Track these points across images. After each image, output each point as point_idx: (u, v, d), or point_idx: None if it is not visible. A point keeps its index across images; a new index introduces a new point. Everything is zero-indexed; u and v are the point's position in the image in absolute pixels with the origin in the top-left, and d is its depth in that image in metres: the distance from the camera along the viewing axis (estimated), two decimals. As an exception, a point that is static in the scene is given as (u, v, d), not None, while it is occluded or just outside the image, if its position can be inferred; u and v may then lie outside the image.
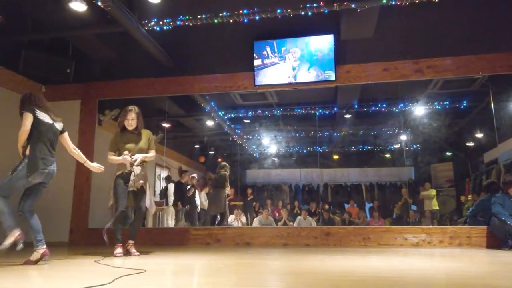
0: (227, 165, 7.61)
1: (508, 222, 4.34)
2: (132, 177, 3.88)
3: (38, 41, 5.80)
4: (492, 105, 5.97)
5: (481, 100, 7.17)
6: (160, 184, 8.94)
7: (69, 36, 5.75)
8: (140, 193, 3.94)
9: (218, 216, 7.24)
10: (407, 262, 3.29)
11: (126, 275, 2.32)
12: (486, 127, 7.64)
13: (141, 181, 3.93)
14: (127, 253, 3.92)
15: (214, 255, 3.80)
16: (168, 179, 8.53)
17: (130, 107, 4.09)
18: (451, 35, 5.40)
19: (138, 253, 3.89)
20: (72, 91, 6.20)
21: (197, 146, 10.88)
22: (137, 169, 3.92)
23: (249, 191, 9.99)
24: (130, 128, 4.01)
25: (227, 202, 7.96)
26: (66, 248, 5.17)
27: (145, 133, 4.11)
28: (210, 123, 9.43)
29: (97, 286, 1.95)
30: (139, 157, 3.90)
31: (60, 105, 6.21)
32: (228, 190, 7.45)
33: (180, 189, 7.75)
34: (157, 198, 7.58)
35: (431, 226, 5.64)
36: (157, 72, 6.10)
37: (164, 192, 8.18)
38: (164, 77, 6.10)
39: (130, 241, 4.00)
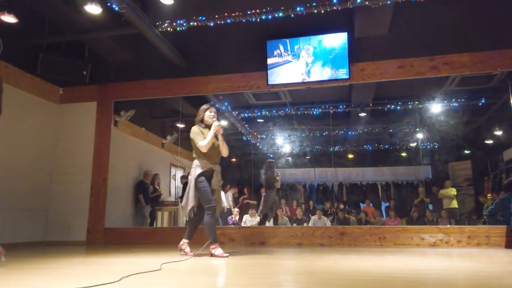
0: (273, 161, 7.54)
1: (529, 222, 4.22)
2: (214, 176, 3.78)
3: (55, 44, 5.94)
4: (511, 101, 5.82)
5: (499, 96, 7.00)
6: (176, 184, 9.02)
7: (85, 39, 5.86)
8: (217, 193, 3.83)
9: (259, 216, 7.19)
10: (424, 262, 3.23)
11: (138, 273, 2.34)
12: (505, 124, 7.46)
13: (222, 181, 3.90)
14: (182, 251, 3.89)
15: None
16: (184, 178, 8.60)
17: (208, 104, 4.02)
18: (468, 30, 5.29)
19: (228, 254, 3.68)
20: (89, 93, 6.31)
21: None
22: (217, 168, 3.85)
23: (263, 190, 9.97)
24: (212, 121, 3.86)
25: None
26: (84, 247, 5.27)
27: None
28: (224, 123, 9.45)
29: (104, 284, 1.98)
30: (222, 131, 3.81)
31: (77, 107, 6.35)
32: (277, 185, 7.35)
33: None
34: (172, 198, 7.63)
35: (448, 225, 5.53)
36: (171, 73, 6.15)
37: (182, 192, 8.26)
38: (177, 77, 6.15)
39: (186, 240, 3.91)
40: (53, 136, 6.23)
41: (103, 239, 5.75)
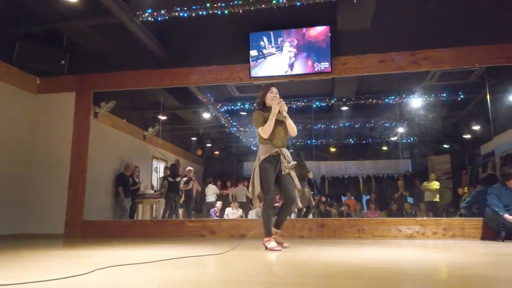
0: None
1: (501, 214, 4.34)
2: (283, 159, 3.51)
3: (33, 33, 5.76)
4: (488, 97, 5.95)
5: (478, 92, 7.16)
6: (158, 177, 8.95)
7: (63, 28, 5.72)
8: (287, 179, 3.54)
9: (303, 209, 7.10)
10: (400, 253, 3.29)
11: (112, 266, 2.32)
12: (483, 119, 7.62)
13: (294, 162, 3.57)
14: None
15: (208, 247, 3.81)
16: (167, 169, 8.55)
17: (268, 85, 3.75)
18: (448, 26, 5.37)
19: (287, 244, 3.55)
20: (67, 83, 6.17)
21: (193, 138, 10.88)
22: (284, 151, 3.56)
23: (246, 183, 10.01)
24: (273, 103, 3.55)
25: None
26: (62, 240, 5.19)
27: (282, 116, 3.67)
28: (206, 115, 9.41)
29: (75, 276, 1.95)
30: (285, 107, 3.53)
31: (54, 97, 6.21)
32: (310, 175, 7.25)
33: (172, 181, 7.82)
34: (152, 191, 7.57)
35: (425, 218, 5.65)
36: (152, 64, 6.07)
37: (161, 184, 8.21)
38: (159, 68, 6.06)
39: (279, 230, 3.63)
40: (30, 127, 6.08)
41: (81, 231, 5.67)
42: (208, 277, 2.11)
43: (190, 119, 9.94)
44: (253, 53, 5.71)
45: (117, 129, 7.49)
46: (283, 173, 3.49)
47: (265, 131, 3.49)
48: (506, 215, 4.32)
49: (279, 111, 3.55)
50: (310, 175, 7.25)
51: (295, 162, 3.56)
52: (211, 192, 9.36)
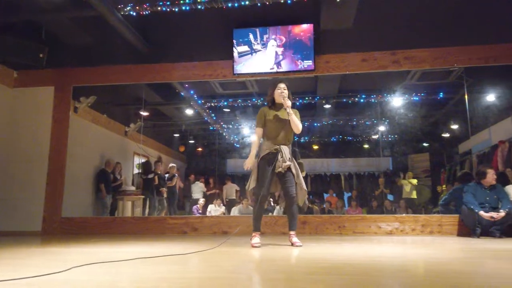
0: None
1: (476, 211, 4.47)
2: (279, 157, 3.48)
3: (10, 24, 5.58)
4: (466, 97, 6.10)
5: (456, 92, 7.33)
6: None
7: (42, 20, 5.56)
8: (287, 176, 3.52)
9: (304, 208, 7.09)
10: (380, 250, 3.35)
11: (90, 264, 2.28)
12: (461, 118, 7.82)
13: (288, 162, 3.49)
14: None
15: (189, 244, 3.79)
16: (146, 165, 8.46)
17: (279, 79, 3.68)
18: (428, 27, 5.47)
19: (301, 244, 3.47)
20: (46, 77, 6.02)
21: (176, 135, 10.79)
22: (284, 149, 3.53)
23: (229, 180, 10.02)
24: (281, 100, 3.52)
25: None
26: (40, 237, 5.08)
27: (294, 110, 3.61)
28: (189, 111, 9.34)
29: (51, 273, 1.92)
30: (288, 103, 3.46)
31: (33, 91, 6.05)
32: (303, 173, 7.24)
33: (158, 178, 7.73)
34: (133, 188, 7.48)
35: (404, 214, 5.76)
36: (134, 59, 5.98)
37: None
38: (141, 64, 5.98)
39: (291, 232, 3.57)
40: (7, 121, 5.91)
41: (59, 229, 5.56)
42: (187, 274, 2.10)
43: (172, 115, 9.84)
44: (237, 49, 5.69)
45: (97, 125, 7.36)
46: (275, 171, 3.48)
47: (256, 133, 3.60)
48: (481, 212, 4.45)
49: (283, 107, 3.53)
50: (303, 174, 7.30)
51: (290, 163, 3.50)
52: (198, 189, 9.32)
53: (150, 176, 7.63)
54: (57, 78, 6.02)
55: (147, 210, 7.42)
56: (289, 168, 3.51)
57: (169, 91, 7.68)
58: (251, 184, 3.53)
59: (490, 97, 7.43)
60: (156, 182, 7.66)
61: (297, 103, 8.26)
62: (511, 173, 5.92)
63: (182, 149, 11.12)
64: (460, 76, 6.42)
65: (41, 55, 5.66)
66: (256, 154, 3.61)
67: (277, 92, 3.57)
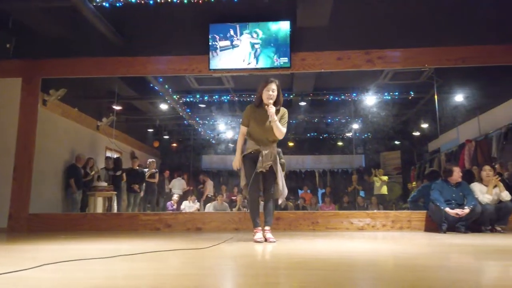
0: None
1: (443, 208, 4.63)
2: (260, 157, 3.53)
3: (-27, 11, 5.33)
4: (436, 97, 6.30)
5: (427, 92, 7.55)
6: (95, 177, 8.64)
7: (9, 9, 5.33)
8: (269, 175, 3.59)
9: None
10: (351, 245, 3.42)
11: (60, 262, 2.22)
12: (430, 118, 8.08)
13: (269, 162, 3.54)
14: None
15: (162, 240, 3.75)
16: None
17: (269, 79, 3.57)
18: (401, 27, 5.60)
19: (275, 240, 3.51)
20: (13, 68, 5.77)
21: (150, 130, 10.62)
22: (266, 149, 3.56)
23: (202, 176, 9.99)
24: (270, 101, 3.49)
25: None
26: (5, 234, 4.89)
27: (281, 111, 3.64)
28: (164, 106, 9.21)
29: (19, 270, 1.85)
30: (272, 110, 3.43)
31: (-2, 83, 5.80)
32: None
33: (130, 174, 7.60)
34: (105, 184, 7.32)
35: (375, 210, 5.91)
36: (107, 52, 5.83)
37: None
38: (114, 56, 5.83)
39: (265, 228, 3.61)
40: (-30, 113, 5.65)
41: (27, 225, 5.37)
42: (161, 270, 2.07)
43: (146, 110, 9.68)
44: (213, 44, 5.65)
45: (68, 119, 7.14)
46: (257, 170, 3.52)
47: (240, 131, 3.65)
48: (447, 209, 4.61)
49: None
50: (283, 173, 7.38)
51: (270, 163, 3.55)
52: (178, 186, 9.22)
53: (118, 173, 7.50)
54: (25, 70, 5.79)
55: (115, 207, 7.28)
56: (271, 166, 3.58)
57: (143, 85, 7.54)
58: (242, 181, 3.66)
59: (459, 98, 7.70)
60: (124, 179, 7.52)
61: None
62: (477, 171, 6.17)
63: (156, 144, 10.95)
64: (430, 77, 6.63)
65: (8, 45, 5.44)
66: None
67: (265, 93, 3.54)
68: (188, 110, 9.27)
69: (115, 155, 8.28)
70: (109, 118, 7.85)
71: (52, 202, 6.55)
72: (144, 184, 8.04)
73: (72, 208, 6.70)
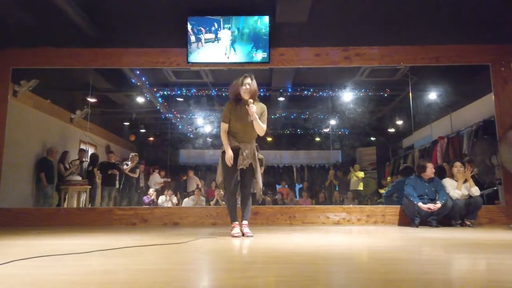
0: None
1: (416, 203, 4.76)
2: (240, 155, 3.53)
3: None
4: (411, 94, 6.45)
5: (402, 89, 7.71)
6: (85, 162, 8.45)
7: (-24, -5, 5.10)
8: (247, 171, 3.60)
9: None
10: (327, 239, 3.47)
11: (32, 258, 2.16)
12: (405, 115, 8.26)
13: (249, 160, 3.56)
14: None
15: (138, 236, 3.70)
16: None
17: (244, 74, 3.60)
18: (378, 25, 5.67)
19: (252, 234, 3.54)
20: (-20, 57, 5.54)
21: (126, 123, 10.40)
22: (246, 146, 3.56)
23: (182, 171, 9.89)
24: (246, 96, 3.52)
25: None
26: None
27: (259, 106, 3.63)
28: (141, 99, 9.05)
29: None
30: (253, 109, 3.44)
31: (-35, 72, 5.55)
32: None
33: (107, 168, 7.45)
34: (79, 178, 7.15)
35: (351, 205, 6.02)
36: (81, 42, 5.66)
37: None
38: (89, 47, 5.68)
39: (243, 222, 3.62)
40: None
41: (-4, 221, 5.19)
42: (135, 266, 2.05)
43: (122, 103, 9.48)
44: (192, 38, 5.58)
45: (40, 111, 6.91)
46: (237, 168, 3.54)
47: (221, 131, 3.61)
48: (420, 204, 4.75)
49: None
50: (262, 169, 7.38)
51: (249, 160, 3.57)
52: (156, 181, 9.10)
53: (90, 168, 7.35)
54: (-7, 59, 5.57)
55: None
56: (251, 165, 3.61)
57: (119, 77, 7.37)
58: (219, 177, 3.65)
59: (432, 96, 7.90)
60: (96, 176, 7.36)
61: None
62: (448, 167, 6.36)
63: (132, 138, 10.74)
64: (406, 74, 6.77)
65: (-25, 33, 5.21)
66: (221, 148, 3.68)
67: (242, 88, 3.56)
68: (165, 103, 9.15)
69: (91, 150, 8.09)
70: (83, 111, 7.63)
71: (23, 197, 6.35)
72: (123, 178, 7.91)
73: (43, 203, 6.51)
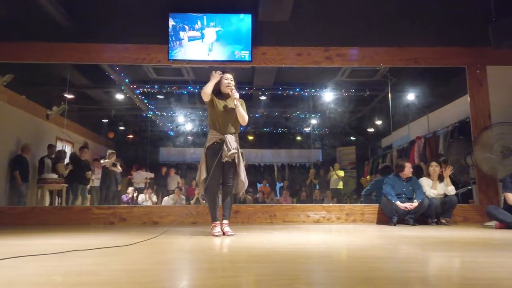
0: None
1: (394, 201, 4.85)
2: (224, 146, 3.46)
3: None
4: (390, 95, 6.56)
5: (381, 90, 7.85)
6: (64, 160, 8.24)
7: None
8: (230, 165, 3.55)
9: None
10: (307, 237, 3.50)
11: (5, 258, 2.09)
12: (384, 115, 8.41)
13: (234, 151, 3.49)
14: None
15: (117, 235, 3.64)
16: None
17: (225, 70, 3.64)
18: (359, 27, 5.76)
19: (233, 233, 3.51)
20: (-50, 50, 5.32)
21: (105, 120, 10.20)
22: (230, 138, 3.52)
23: (163, 169, 9.80)
24: (227, 90, 3.55)
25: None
26: None
27: (240, 101, 3.64)
28: (120, 96, 8.89)
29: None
30: (236, 95, 3.49)
31: None
32: None
33: (82, 165, 7.28)
34: (55, 176, 6.96)
35: (330, 204, 6.08)
36: (59, 37, 5.51)
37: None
38: (67, 42, 5.53)
39: (224, 221, 3.58)
40: None
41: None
42: (114, 266, 2.01)
43: (101, 100, 9.29)
44: (173, 35, 5.51)
45: (14, 106, 6.69)
46: (222, 160, 3.49)
47: (203, 92, 3.48)
48: (398, 203, 4.84)
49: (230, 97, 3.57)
50: (244, 163, 7.34)
51: (235, 151, 3.52)
52: (140, 178, 8.96)
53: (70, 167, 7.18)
54: (-35, 52, 5.36)
55: (58, 200, 6.94)
56: (233, 159, 3.56)
57: (98, 73, 7.22)
58: (202, 174, 3.55)
59: (410, 96, 8.07)
60: (64, 170, 7.16)
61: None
62: (425, 167, 6.51)
63: (111, 135, 10.54)
64: (385, 75, 6.89)
65: None
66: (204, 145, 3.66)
67: (223, 82, 3.58)
68: (145, 100, 9.02)
69: (68, 147, 7.89)
70: (60, 107, 7.42)
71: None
72: (101, 174, 7.75)
73: (17, 202, 6.31)
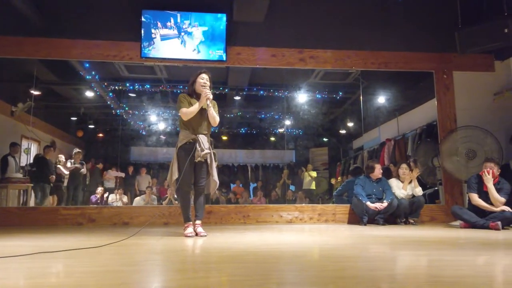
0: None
1: (364, 202, 4.96)
2: (197, 147, 3.45)
3: None
4: (361, 98, 6.71)
5: (353, 92, 8.01)
6: (28, 159, 7.92)
7: None
8: (202, 166, 3.54)
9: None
10: (280, 238, 3.52)
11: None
12: (356, 117, 8.58)
13: (207, 151, 3.48)
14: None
15: (85, 236, 3.53)
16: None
17: (202, 70, 3.65)
18: (332, 30, 5.86)
19: (206, 233, 3.48)
20: None
21: (73, 118, 9.89)
22: (202, 138, 3.50)
23: (131, 168, 9.61)
24: (202, 90, 3.51)
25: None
26: None
27: (213, 102, 3.62)
28: (90, 94, 8.65)
29: None
30: (210, 97, 3.48)
31: None
32: None
33: (46, 164, 7.03)
34: (20, 175, 6.68)
35: (303, 204, 6.14)
36: (25, 31, 5.30)
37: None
38: (34, 37, 5.32)
39: (196, 222, 3.55)
40: None
41: None
42: (83, 268, 1.95)
43: (69, 97, 8.99)
44: (146, 32, 5.41)
45: (-24, 102, 6.38)
46: (195, 160, 3.48)
47: (185, 113, 3.47)
48: (368, 203, 4.95)
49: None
50: (216, 164, 7.30)
51: (208, 151, 3.53)
52: (112, 175, 8.73)
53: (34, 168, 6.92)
54: None
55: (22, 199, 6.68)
56: (205, 159, 3.55)
57: (66, 69, 6.99)
58: (174, 175, 3.52)
59: (381, 99, 8.27)
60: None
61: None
62: (395, 168, 6.69)
63: (80, 134, 10.22)
64: (357, 78, 7.03)
65: None
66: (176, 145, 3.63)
67: (199, 82, 3.57)
68: (116, 98, 8.81)
69: (34, 146, 7.58)
70: (26, 104, 7.12)
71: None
72: (67, 175, 7.51)
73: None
